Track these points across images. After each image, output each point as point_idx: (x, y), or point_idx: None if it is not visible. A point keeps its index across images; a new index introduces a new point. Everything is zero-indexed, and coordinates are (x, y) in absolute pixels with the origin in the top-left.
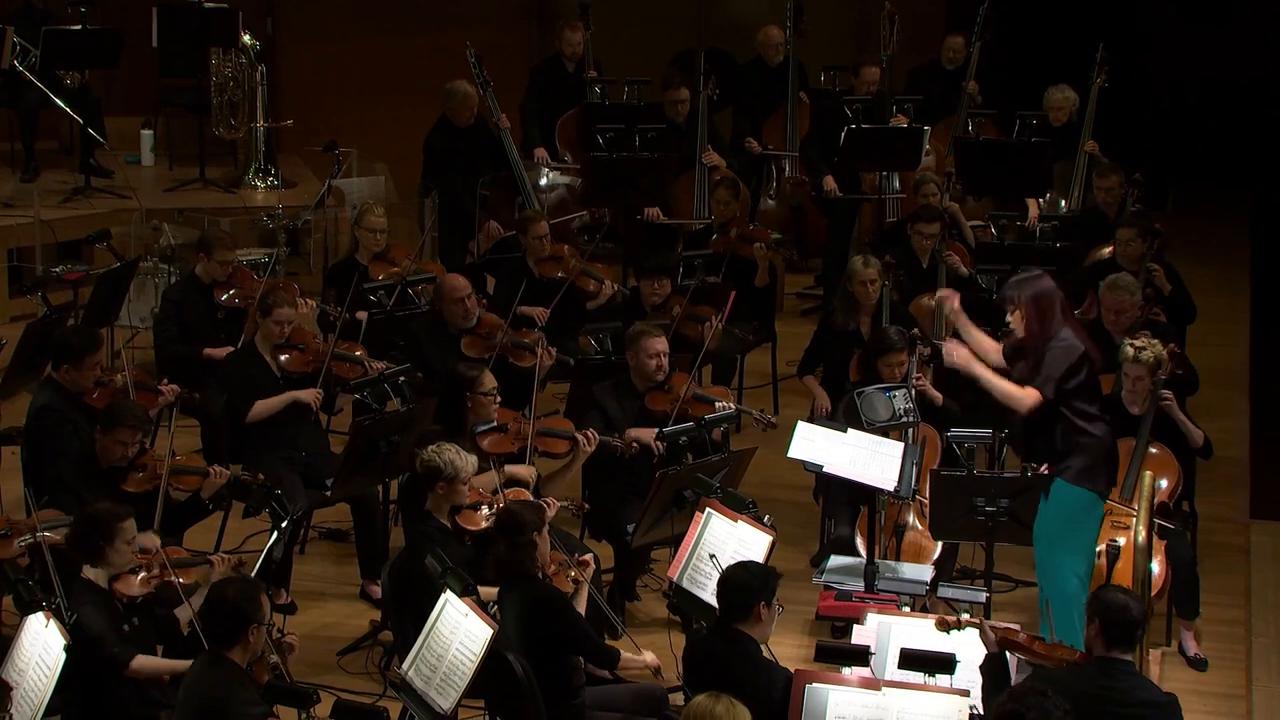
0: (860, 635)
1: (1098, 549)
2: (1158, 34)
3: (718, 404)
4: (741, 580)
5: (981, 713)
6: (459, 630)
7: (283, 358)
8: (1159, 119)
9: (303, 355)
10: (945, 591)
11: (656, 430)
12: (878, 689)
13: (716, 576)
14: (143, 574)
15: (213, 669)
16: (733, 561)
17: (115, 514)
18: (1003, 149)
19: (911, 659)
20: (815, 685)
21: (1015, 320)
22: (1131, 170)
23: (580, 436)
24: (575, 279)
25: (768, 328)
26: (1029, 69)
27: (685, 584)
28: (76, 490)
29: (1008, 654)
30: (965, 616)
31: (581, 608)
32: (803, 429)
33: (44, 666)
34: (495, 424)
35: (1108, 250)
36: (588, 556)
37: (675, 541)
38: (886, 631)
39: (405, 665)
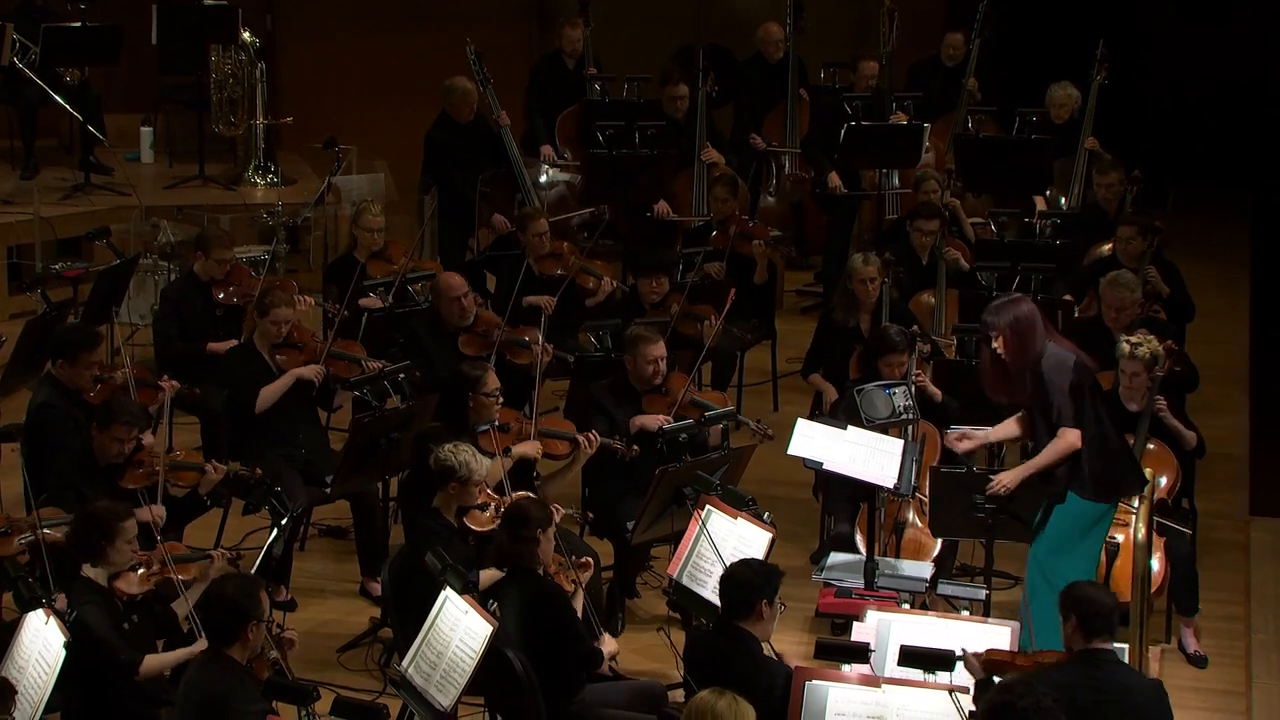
0: (860, 632)
1: (1099, 556)
2: (1158, 33)
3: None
4: (744, 578)
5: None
6: (459, 627)
7: (280, 357)
8: (1159, 118)
9: (301, 354)
10: (945, 588)
11: (660, 425)
12: (877, 686)
13: (718, 574)
14: (142, 571)
15: (212, 666)
16: (733, 559)
17: (116, 513)
18: (1003, 146)
19: (911, 656)
20: (815, 682)
21: (999, 345)
22: (1131, 168)
23: (581, 438)
24: (575, 276)
25: (767, 325)
26: (1029, 66)
27: (685, 581)
28: (76, 487)
29: (994, 678)
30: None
31: (578, 609)
32: (802, 426)
33: (44, 663)
34: (496, 423)
35: (1107, 247)
36: (587, 559)
37: (675, 539)
38: (886, 628)
39: (405, 662)
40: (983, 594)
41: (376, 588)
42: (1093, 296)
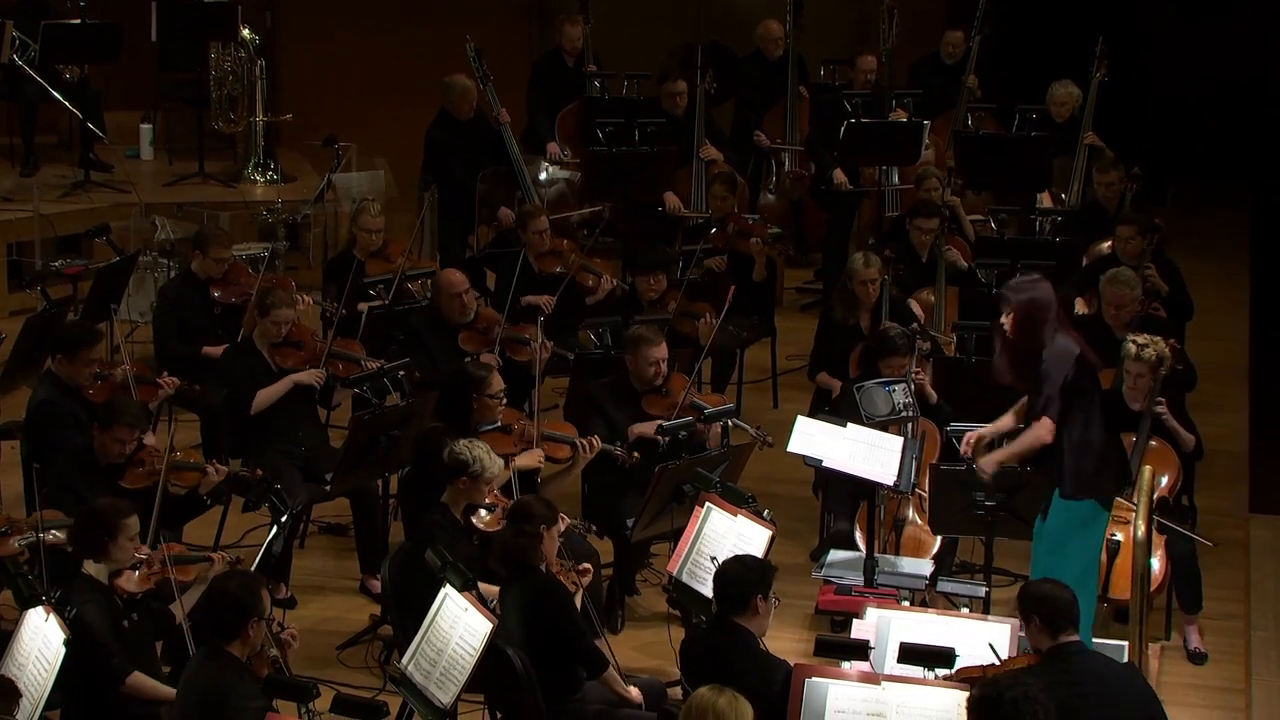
0: (860, 630)
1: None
2: (1158, 31)
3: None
4: (737, 573)
5: None
6: (458, 624)
7: (278, 356)
8: (1159, 116)
9: (301, 353)
10: (944, 586)
11: (657, 425)
12: (877, 683)
13: None
14: (143, 570)
15: (212, 663)
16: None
17: (119, 510)
18: (1003, 143)
19: (911, 653)
20: (815, 679)
21: (1008, 321)
22: (1131, 165)
23: (581, 443)
24: (575, 274)
25: (767, 322)
26: (1029, 64)
27: (685, 578)
28: (75, 487)
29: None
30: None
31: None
32: (802, 423)
33: (44, 661)
34: (498, 424)
35: (1107, 245)
36: (587, 565)
37: (675, 536)
38: (886, 626)
39: (405, 660)
40: (982, 591)
41: (376, 585)
42: (1092, 294)
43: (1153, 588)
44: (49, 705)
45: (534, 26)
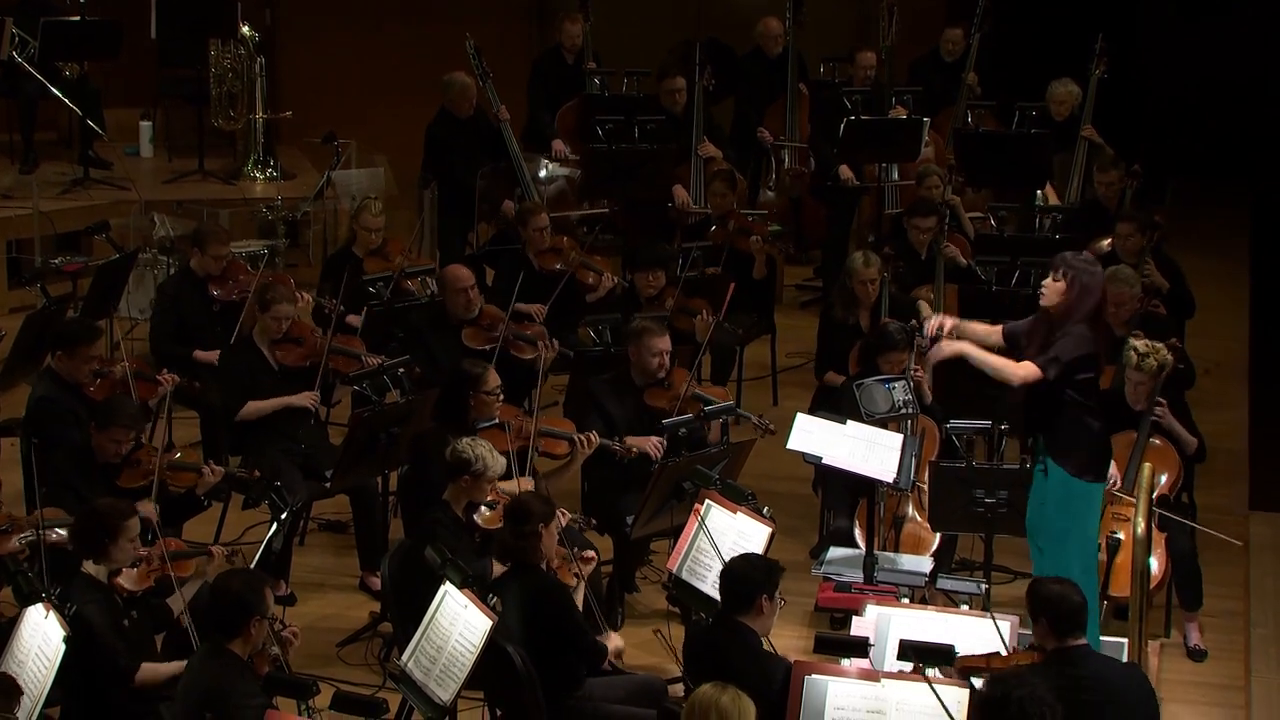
0: (859, 627)
1: (1098, 542)
2: (1158, 30)
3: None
4: (743, 572)
5: None
6: (458, 622)
7: (279, 352)
8: (1159, 113)
9: (300, 350)
10: (944, 583)
11: (656, 440)
12: (877, 680)
13: (717, 568)
14: (141, 568)
15: (213, 660)
16: (732, 553)
17: (120, 511)
18: (1002, 140)
19: (910, 650)
20: (814, 676)
21: (1051, 287)
22: (1130, 163)
23: (579, 439)
24: (575, 271)
25: (767, 320)
26: (1028, 61)
27: (685, 575)
28: (73, 485)
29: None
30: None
31: (580, 603)
32: (801, 421)
33: (44, 658)
34: (496, 421)
35: (1106, 243)
36: (590, 553)
37: (675, 533)
38: (885, 623)
39: (405, 657)
40: (982, 588)
41: (376, 582)
42: None
43: (1153, 585)
44: (49, 702)
45: (534, 25)
